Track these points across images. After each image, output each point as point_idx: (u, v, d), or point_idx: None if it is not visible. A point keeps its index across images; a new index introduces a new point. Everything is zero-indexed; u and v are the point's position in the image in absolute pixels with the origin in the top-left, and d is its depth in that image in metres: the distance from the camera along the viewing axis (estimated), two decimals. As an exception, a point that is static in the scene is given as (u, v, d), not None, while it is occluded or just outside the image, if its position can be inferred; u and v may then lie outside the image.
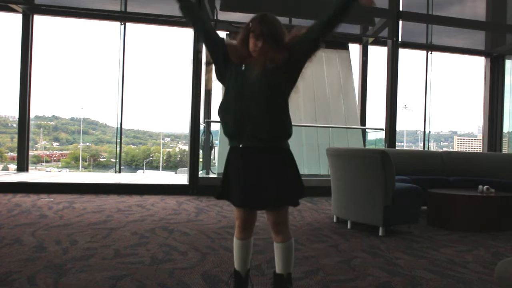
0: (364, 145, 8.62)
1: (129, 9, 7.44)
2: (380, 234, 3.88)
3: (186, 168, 7.02)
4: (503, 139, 9.05)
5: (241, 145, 1.89)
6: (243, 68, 1.89)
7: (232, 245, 3.31)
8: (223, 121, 1.93)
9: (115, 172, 8.39)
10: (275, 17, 1.92)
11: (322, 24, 1.88)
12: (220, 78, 2.02)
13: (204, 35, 2.02)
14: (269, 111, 1.84)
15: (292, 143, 1.95)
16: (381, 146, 7.81)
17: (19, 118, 7.76)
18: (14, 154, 8.78)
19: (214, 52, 1.99)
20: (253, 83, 1.83)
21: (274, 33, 1.85)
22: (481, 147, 9.38)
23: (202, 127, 7.16)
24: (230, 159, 1.96)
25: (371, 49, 9.14)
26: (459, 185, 5.32)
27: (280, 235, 1.96)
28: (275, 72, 1.82)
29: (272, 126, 1.84)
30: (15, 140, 7.98)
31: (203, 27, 2.04)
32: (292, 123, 1.95)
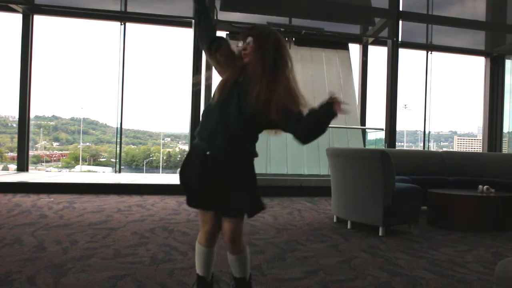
0: (364, 145, 8.62)
1: (129, 9, 7.44)
2: (380, 234, 3.87)
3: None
4: (503, 139, 9.05)
5: (208, 152, 1.86)
6: (234, 74, 1.86)
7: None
8: (202, 124, 1.90)
9: (115, 172, 8.39)
10: (269, 28, 1.92)
11: (297, 131, 1.81)
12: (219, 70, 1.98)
13: (206, 34, 2.00)
14: (244, 133, 1.84)
15: (293, 143, 1.95)
16: (381, 146, 7.82)
17: (19, 118, 7.76)
18: (14, 154, 8.78)
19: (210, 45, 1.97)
20: (239, 104, 1.81)
21: (257, 37, 1.83)
22: (481, 147, 9.38)
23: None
24: (191, 157, 1.94)
25: (371, 49, 9.14)
26: (459, 185, 5.33)
27: (233, 246, 1.93)
28: (258, 108, 1.78)
29: (243, 146, 1.86)
30: (15, 140, 7.98)
31: (210, 27, 2.02)
32: None
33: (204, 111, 1.95)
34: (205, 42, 1.99)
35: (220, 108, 1.83)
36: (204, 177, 1.85)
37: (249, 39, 1.83)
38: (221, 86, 1.86)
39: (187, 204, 1.97)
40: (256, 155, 1.92)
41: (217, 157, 1.85)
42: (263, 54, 1.80)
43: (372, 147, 8.31)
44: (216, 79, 2.01)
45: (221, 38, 2.00)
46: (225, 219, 1.89)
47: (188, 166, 1.93)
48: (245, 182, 1.87)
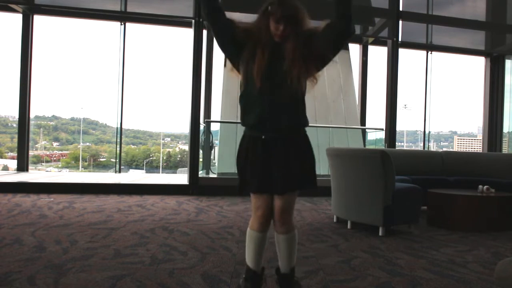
0: (364, 145, 8.62)
1: (129, 9, 7.44)
2: (380, 234, 3.88)
3: (186, 168, 7.02)
4: (503, 139, 9.05)
5: (263, 136, 1.87)
6: (265, 55, 1.82)
7: (232, 244, 3.32)
8: (245, 110, 1.89)
9: (115, 172, 8.39)
10: (295, 0, 1.86)
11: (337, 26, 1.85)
12: (235, 64, 1.94)
13: (218, 25, 1.93)
14: (295, 104, 1.86)
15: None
16: (381, 146, 7.81)
17: (19, 118, 7.76)
18: (14, 154, 8.78)
19: (225, 40, 1.92)
20: (279, 75, 1.81)
21: (294, 16, 1.80)
22: (481, 147, 9.37)
23: (202, 127, 7.16)
24: (248, 148, 1.93)
25: (371, 49, 9.14)
26: (459, 185, 5.33)
27: (284, 225, 1.93)
28: (303, 64, 1.80)
29: (296, 118, 1.88)
30: (15, 140, 7.98)
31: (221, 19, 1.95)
32: None
33: (243, 98, 1.90)
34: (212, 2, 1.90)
35: (264, 91, 1.81)
36: (262, 160, 1.86)
37: (282, 21, 1.78)
38: (258, 70, 1.80)
39: (238, 192, 1.98)
40: (307, 123, 1.92)
41: (273, 138, 1.86)
42: (299, 34, 1.80)
43: (372, 147, 8.31)
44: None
45: (229, 23, 1.92)
46: (278, 195, 1.90)
47: (242, 154, 1.94)
48: (300, 158, 1.89)
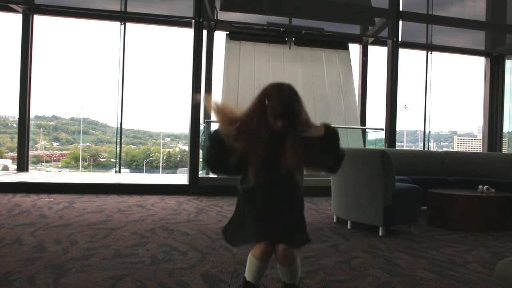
0: (364, 145, 8.62)
1: (129, 9, 7.44)
2: (380, 234, 3.88)
3: (186, 168, 7.02)
4: (503, 139, 9.05)
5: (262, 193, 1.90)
6: (263, 150, 1.79)
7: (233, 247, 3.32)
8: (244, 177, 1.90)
9: (115, 172, 8.39)
10: (292, 89, 1.80)
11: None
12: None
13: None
14: (293, 180, 1.89)
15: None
16: (381, 146, 7.81)
17: (19, 118, 7.77)
18: (14, 154, 8.78)
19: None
20: (278, 166, 1.80)
21: (292, 112, 1.76)
22: (481, 147, 9.37)
23: (202, 127, 7.16)
24: (245, 201, 1.95)
25: (371, 49, 9.14)
26: (459, 185, 5.33)
27: (287, 260, 1.94)
28: (302, 156, 1.80)
29: (292, 188, 1.92)
30: (15, 140, 7.98)
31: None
32: None
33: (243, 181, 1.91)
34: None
35: (262, 182, 1.84)
36: (262, 217, 1.89)
37: (282, 116, 1.75)
38: (256, 169, 1.81)
39: (226, 239, 2.03)
40: (302, 190, 1.96)
41: (270, 193, 1.90)
42: (297, 127, 1.78)
43: (372, 147, 8.30)
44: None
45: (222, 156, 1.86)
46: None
47: (240, 217, 1.96)
48: (293, 209, 1.93)
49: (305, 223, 1.99)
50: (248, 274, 2.00)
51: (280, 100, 1.74)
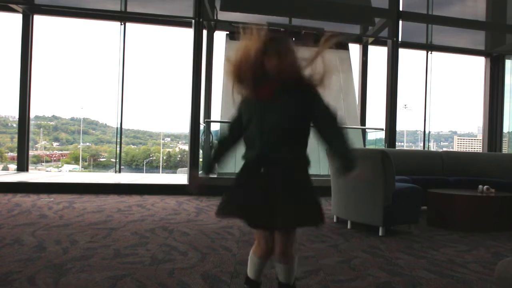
0: (364, 145, 8.62)
1: (129, 9, 7.44)
2: (380, 234, 3.88)
3: (186, 168, 7.02)
4: (503, 139, 9.05)
5: (262, 170, 1.87)
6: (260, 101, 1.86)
7: (232, 244, 3.33)
8: (247, 148, 1.93)
9: (115, 172, 8.39)
10: (288, 40, 1.90)
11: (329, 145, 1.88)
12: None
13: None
14: (286, 142, 1.85)
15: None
16: (381, 146, 7.81)
17: (19, 118, 7.77)
18: (14, 154, 8.78)
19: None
20: (272, 114, 1.82)
21: (286, 48, 1.85)
22: (481, 147, 9.37)
23: (202, 127, 7.16)
24: (243, 177, 1.94)
25: (371, 49, 9.14)
26: (459, 185, 5.32)
27: (283, 257, 1.92)
28: (291, 107, 1.81)
29: (292, 152, 1.86)
30: (15, 140, 7.98)
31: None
32: None
33: (245, 138, 1.94)
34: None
35: (257, 129, 1.85)
36: (261, 197, 1.84)
37: (276, 53, 1.82)
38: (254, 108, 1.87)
39: (216, 213, 2.00)
40: (306, 162, 1.92)
41: (270, 172, 1.85)
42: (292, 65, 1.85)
43: (372, 147, 8.30)
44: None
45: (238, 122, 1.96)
46: (277, 231, 1.89)
47: (239, 190, 1.93)
48: (297, 193, 1.85)
49: (312, 203, 1.90)
50: (249, 270, 2.04)
51: (274, 39, 1.85)
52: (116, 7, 7.39)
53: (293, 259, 1.96)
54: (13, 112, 8.99)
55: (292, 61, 1.84)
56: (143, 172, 13.15)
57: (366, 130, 8.92)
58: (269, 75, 1.84)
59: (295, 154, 1.89)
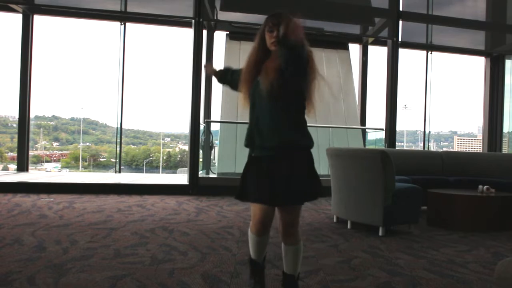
0: (364, 145, 8.62)
1: (129, 9, 7.44)
2: (380, 234, 3.88)
3: (186, 168, 7.03)
4: (503, 139, 9.05)
5: (253, 154, 1.97)
6: (258, 78, 1.94)
7: (232, 244, 3.33)
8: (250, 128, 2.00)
9: (115, 172, 8.39)
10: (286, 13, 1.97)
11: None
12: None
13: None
14: (275, 121, 1.88)
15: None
16: (381, 146, 7.81)
17: (19, 118, 7.76)
18: (14, 154, 8.78)
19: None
20: (261, 95, 1.89)
21: (284, 21, 1.94)
22: (481, 147, 9.37)
23: (202, 127, 7.16)
24: (249, 164, 2.02)
25: (371, 49, 9.14)
26: (459, 185, 5.32)
27: (289, 237, 1.95)
28: (282, 82, 1.84)
29: (280, 136, 1.88)
30: (15, 140, 7.98)
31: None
32: None
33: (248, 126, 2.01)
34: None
35: (251, 108, 1.95)
36: (264, 173, 1.89)
37: (276, 28, 1.97)
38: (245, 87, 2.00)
39: (237, 199, 2.04)
40: (309, 144, 1.94)
41: (271, 156, 1.89)
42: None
43: (372, 147, 8.31)
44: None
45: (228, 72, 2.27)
46: (282, 208, 1.91)
47: (249, 172, 2.00)
48: (301, 171, 1.90)
49: (312, 180, 1.94)
50: (250, 250, 2.10)
51: (273, 14, 2.07)
52: (116, 7, 7.38)
53: (299, 241, 1.98)
54: (13, 112, 9.00)
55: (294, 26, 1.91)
56: (143, 172, 13.16)
57: (366, 130, 8.93)
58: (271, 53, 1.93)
59: (296, 123, 1.94)
